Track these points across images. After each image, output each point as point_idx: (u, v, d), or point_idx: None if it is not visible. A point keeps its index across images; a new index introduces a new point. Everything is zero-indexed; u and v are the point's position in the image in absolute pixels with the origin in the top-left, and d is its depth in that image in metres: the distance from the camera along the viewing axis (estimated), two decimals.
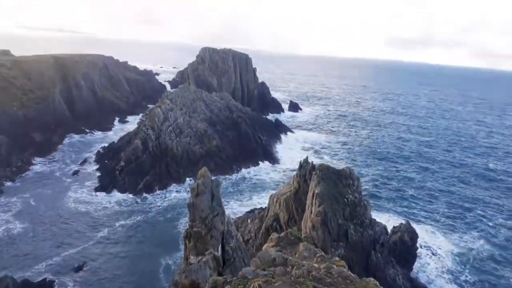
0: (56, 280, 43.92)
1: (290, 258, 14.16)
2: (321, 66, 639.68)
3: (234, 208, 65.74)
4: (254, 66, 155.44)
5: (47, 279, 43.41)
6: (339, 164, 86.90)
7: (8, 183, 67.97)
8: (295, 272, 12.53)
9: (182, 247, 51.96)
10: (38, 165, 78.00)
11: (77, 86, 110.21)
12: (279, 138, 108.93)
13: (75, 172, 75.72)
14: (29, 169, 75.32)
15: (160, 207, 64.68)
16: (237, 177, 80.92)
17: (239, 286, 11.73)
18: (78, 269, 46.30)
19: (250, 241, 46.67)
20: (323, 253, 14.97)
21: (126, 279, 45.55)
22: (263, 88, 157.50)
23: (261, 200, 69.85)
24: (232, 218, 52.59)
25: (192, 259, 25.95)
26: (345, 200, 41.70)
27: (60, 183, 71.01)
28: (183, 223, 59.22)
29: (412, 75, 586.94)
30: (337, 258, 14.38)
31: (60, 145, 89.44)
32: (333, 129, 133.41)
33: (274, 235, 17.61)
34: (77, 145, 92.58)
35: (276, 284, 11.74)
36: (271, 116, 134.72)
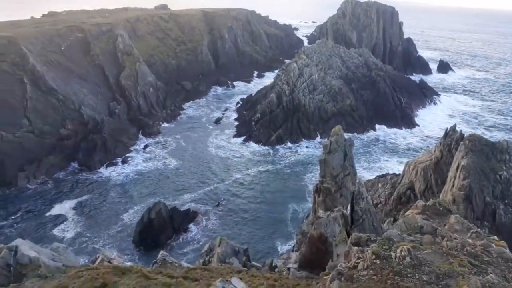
0: (198, 210, 50.04)
1: (439, 228, 12.94)
2: (483, 20, 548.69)
3: (363, 169, 63.86)
4: (400, 20, 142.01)
5: (191, 209, 49.72)
6: (493, 136, 75.74)
7: (165, 124, 78.23)
8: (446, 243, 11.38)
9: (308, 199, 53.48)
10: (188, 110, 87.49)
11: (222, 39, 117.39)
12: (423, 102, 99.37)
13: (217, 120, 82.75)
14: (180, 113, 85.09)
15: (289, 160, 66.73)
16: (369, 138, 77.70)
17: (383, 247, 11.21)
18: (216, 204, 51.82)
19: (379, 205, 45.00)
20: (478, 229, 13.30)
21: (257, 219, 49.26)
22: (409, 45, 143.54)
23: (392, 165, 66.19)
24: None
25: (321, 213, 26.24)
26: (497, 177, 36.33)
27: (204, 128, 78.73)
28: (310, 177, 60.53)
29: None
30: (495, 237, 12.60)
31: (206, 95, 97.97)
32: (490, 96, 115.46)
33: (420, 203, 16.32)
34: (220, 95, 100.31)
35: (425, 252, 10.88)
36: (415, 77, 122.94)
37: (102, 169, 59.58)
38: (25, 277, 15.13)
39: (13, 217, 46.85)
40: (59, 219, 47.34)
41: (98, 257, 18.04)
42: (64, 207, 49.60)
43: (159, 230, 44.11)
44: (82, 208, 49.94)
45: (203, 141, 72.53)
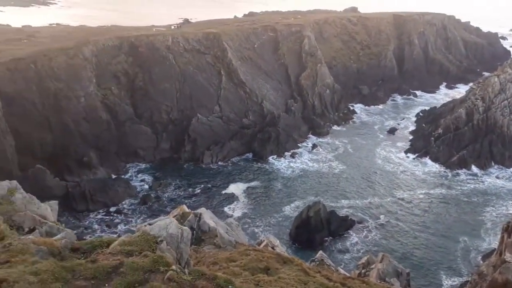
0: (355, 220, 48.44)
1: None
2: None
3: None
4: None
5: (349, 217, 48.51)
6: None
7: (335, 127, 78.39)
8: None
9: (485, 237, 46.48)
10: (362, 115, 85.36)
11: (411, 45, 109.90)
12: None
13: (391, 131, 78.04)
14: (353, 117, 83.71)
15: (469, 188, 58.14)
16: None
17: None
18: (375, 218, 49.24)
19: None
20: None
21: (419, 243, 45.10)
22: None
23: None
24: None
25: (509, 256, 21.88)
26: None
27: (375, 137, 75.47)
28: (490, 212, 52.05)
29: None
30: None
31: (383, 102, 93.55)
32: None
33: None
34: (399, 104, 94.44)
35: None
36: None
37: (272, 160, 63.67)
38: (203, 242, 17.13)
39: (197, 188, 54.64)
40: (231, 198, 52.89)
41: (263, 240, 19.14)
42: (237, 188, 55.18)
43: (315, 229, 44.55)
44: (251, 192, 54.58)
45: (371, 150, 69.64)
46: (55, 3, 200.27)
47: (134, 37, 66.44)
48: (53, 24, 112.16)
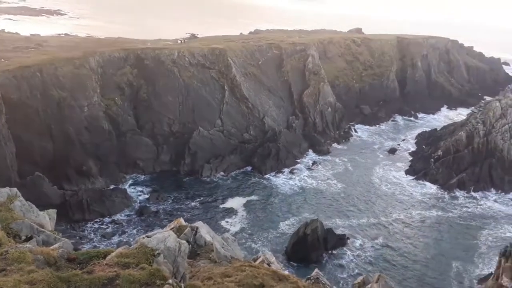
0: (351, 239, 48.25)
1: None
2: None
3: None
4: None
5: (346, 235, 48.30)
6: None
7: (335, 145, 78.55)
8: None
9: (478, 261, 46.39)
10: (363, 134, 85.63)
11: (413, 67, 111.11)
12: None
13: (391, 151, 78.21)
14: (353, 136, 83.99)
15: (467, 211, 57.98)
16: None
17: None
18: (372, 238, 48.97)
19: None
20: None
21: (415, 265, 44.81)
22: None
23: None
24: None
25: (506, 281, 21.86)
26: None
27: (374, 156, 75.54)
28: (486, 236, 51.88)
29: None
30: None
31: (384, 122, 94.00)
32: None
33: None
34: (400, 124, 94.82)
35: None
36: None
37: (270, 176, 63.64)
38: (199, 256, 17.09)
39: (195, 201, 54.51)
40: (230, 212, 52.71)
41: (259, 256, 19.08)
42: (235, 202, 55.03)
43: (311, 247, 44.25)
44: (249, 207, 54.41)
45: (370, 169, 69.61)
46: (65, 14, 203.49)
47: (140, 50, 67.29)
48: (62, 34, 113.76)
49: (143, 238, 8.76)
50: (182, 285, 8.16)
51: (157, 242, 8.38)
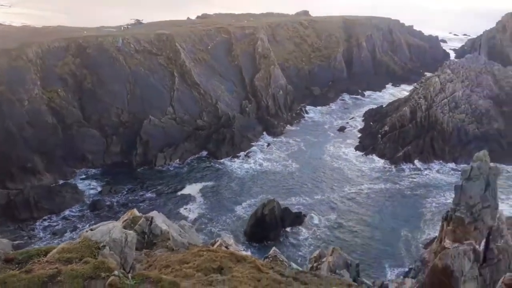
0: (307, 216, 50.01)
1: None
2: None
3: (507, 206, 55.15)
4: None
5: (302, 213, 49.91)
6: None
7: (288, 126, 79.87)
8: None
9: (423, 227, 49.67)
10: (314, 115, 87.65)
11: (359, 47, 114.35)
12: None
13: (341, 129, 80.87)
14: (305, 117, 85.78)
15: (412, 181, 61.68)
16: None
17: None
18: (326, 214, 51.01)
19: None
20: None
21: (365, 237, 47.21)
22: None
23: None
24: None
25: (448, 243, 23.64)
26: None
27: (325, 135, 77.75)
28: (430, 203, 55.53)
29: None
30: None
31: (333, 101, 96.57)
32: None
33: None
34: (349, 103, 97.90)
35: None
36: None
37: (226, 160, 63.80)
38: (155, 246, 17.00)
39: (151, 191, 53.58)
40: (187, 199, 52.51)
41: (217, 240, 19.29)
42: (193, 189, 54.86)
43: (269, 227, 45.32)
44: (207, 192, 54.46)
45: (322, 148, 71.75)
46: None
47: (81, 38, 63.94)
48: None
49: (86, 231, 8.58)
50: (129, 275, 8.10)
51: (101, 235, 8.25)
